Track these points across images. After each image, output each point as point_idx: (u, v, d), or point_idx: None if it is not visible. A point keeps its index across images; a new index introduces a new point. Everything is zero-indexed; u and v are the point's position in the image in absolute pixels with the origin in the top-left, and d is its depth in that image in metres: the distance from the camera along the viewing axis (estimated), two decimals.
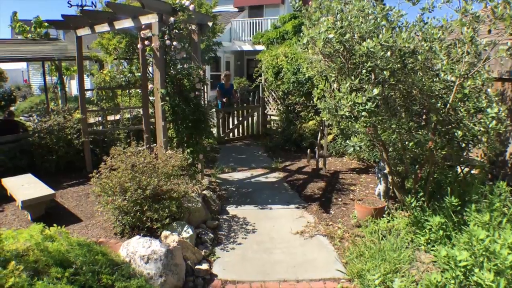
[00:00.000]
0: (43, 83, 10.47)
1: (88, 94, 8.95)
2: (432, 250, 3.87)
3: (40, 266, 2.82)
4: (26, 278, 2.57)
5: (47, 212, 5.14)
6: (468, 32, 3.71)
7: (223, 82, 11.20)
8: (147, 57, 7.01)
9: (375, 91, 3.64)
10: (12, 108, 13.78)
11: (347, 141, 4.25)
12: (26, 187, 5.29)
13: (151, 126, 7.18)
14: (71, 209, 5.40)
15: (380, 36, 3.65)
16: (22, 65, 23.95)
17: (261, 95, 10.76)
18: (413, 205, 4.36)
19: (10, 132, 7.23)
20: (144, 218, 4.21)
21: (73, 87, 21.89)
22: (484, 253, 2.96)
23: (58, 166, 7.01)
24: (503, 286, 2.61)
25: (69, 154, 7.06)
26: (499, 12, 3.63)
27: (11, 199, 5.39)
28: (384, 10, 4.02)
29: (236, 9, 22.28)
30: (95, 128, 7.96)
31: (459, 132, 3.98)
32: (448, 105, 4.05)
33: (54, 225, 3.52)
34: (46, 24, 9.56)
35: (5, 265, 2.60)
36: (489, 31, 4.10)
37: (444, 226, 3.92)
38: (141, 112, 7.63)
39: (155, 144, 5.78)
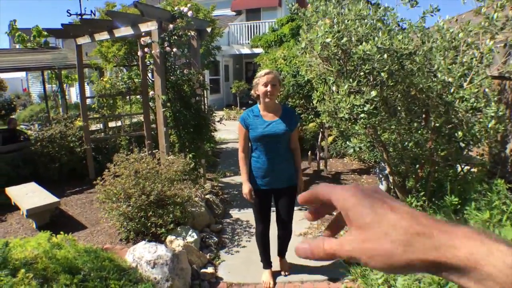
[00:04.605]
0: (42, 91, 10.54)
1: (88, 101, 9.00)
2: None
3: (49, 274, 2.86)
4: (36, 286, 2.62)
5: (52, 220, 5.18)
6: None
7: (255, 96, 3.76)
8: (146, 64, 7.07)
9: (373, 93, 3.69)
10: (13, 116, 13.83)
11: (347, 143, 4.30)
12: (30, 195, 5.34)
13: (152, 132, 7.23)
14: (75, 216, 5.44)
15: (376, 39, 3.70)
16: (21, 73, 24.02)
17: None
18: (414, 204, 4.39)
19: (12, 142, 7.29)
20: (149, 224, 4.25)
21: (73, 94, 21.95)
22: None
23: (61, 174, 7.05)
24: None
25: (72, 161, 7.11)
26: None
27: (15, 208, 5.44)
28: (378, 11, 4.05)
29: (234, 13, 22.32)
30: (97, 135, 8.01)
31: (460, 133, 4.01)
32: (447, 105, 4.09)
33: (61, 232, 3.56)
34: (45, 33, 9.64)
35: (15, 274, 2.65)
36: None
37: None
38: (142, 119, 7.69)
39: (157, 150, 5.83)
